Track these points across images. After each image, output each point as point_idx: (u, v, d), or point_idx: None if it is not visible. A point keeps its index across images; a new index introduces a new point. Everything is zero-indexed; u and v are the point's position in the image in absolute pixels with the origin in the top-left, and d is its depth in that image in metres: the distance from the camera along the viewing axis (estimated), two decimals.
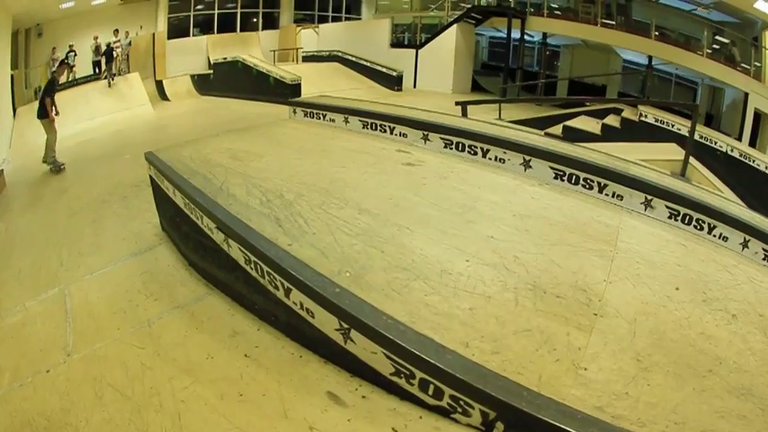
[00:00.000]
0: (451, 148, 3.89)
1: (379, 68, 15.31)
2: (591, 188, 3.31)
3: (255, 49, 17.39)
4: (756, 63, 14.31)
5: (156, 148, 3.80)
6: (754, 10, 13.03)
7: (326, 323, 1.91)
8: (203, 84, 15.15)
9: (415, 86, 15.06)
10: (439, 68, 14.77)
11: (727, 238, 3.01)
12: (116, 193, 5.10)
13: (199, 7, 17.17)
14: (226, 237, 2.48)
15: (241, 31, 19.05)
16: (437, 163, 3.65)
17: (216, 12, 18.22)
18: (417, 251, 2.31)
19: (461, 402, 1.55)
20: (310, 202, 2.81)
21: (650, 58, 15.47)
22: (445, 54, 14.82)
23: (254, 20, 19.92)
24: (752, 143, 12.87)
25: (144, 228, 4.01)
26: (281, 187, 3.02)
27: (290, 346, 2.19)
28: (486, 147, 3.71)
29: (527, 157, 3.52)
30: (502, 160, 3.63)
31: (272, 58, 16.58)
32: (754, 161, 8.90)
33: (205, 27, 17.91)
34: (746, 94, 13.39)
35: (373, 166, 3.60)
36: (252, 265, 2.30)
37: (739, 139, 12.61)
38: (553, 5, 16.43)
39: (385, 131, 4.27)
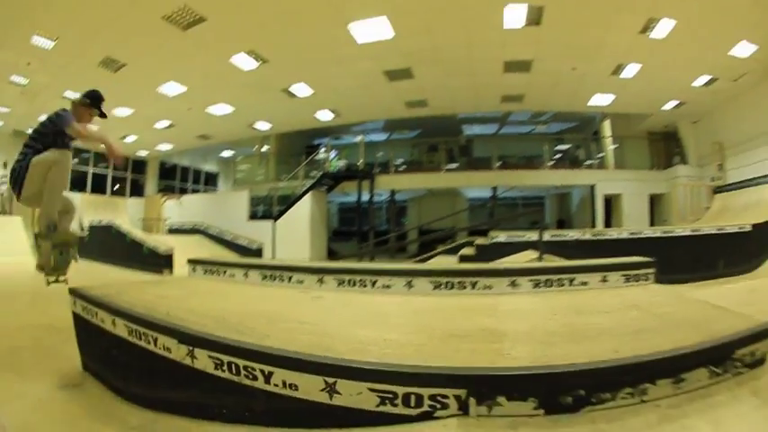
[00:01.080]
0: (344, 285, 4.42)
1: (239, 242, 16.08)
2: (464, 287, 4.02)
3: (124, 215, 17.33)
4: (600, 154, 16.79)
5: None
6: (589, 108, 15.01)
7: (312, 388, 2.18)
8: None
9: (273, 257, 15.55)
10: (296, 238, 15.45)
11: (586, 282, 3.92)
12: None
13: (75, 160, 17.07)
14: (190, 350, 2.66)
15: (111, 194, 19.00)
16: (338, 296, 4.18)
17: (90, 169, 18.17)
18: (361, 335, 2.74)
19: None
20: (257, 321, 3.10)
21: (494, 188, 17.06)
22: (301, 223, 15.70)
23: (122, 186, 20.12)
24: (607, 224, 14.97)
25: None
26: (224, 314, 3.28)
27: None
28: (373, 278, 4.31)
29: (409, 278, 4.17)
30: (388, 286, 4.23)
31: (138, 227, 16.69)
32: (602, 236, 10.96)
33: (79, 184, 17.59)
34: (593, 186, 15.43)
35: (290, 299, 4.11)
36: (224, 367, 2.49)
37: (593, 226, 14.57)
38: (397, 162, 18.13)
39: (283, 280, 4.74)
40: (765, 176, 12.40)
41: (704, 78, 12.90)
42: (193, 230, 17.52)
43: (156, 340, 2.88)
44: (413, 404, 1.97)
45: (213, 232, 17.01)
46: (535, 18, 9.38)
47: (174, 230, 18.19)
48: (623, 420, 1.87)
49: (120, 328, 3.19)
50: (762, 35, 10.49)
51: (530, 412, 1.90)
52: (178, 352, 2.73)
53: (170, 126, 16.67)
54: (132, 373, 3.18)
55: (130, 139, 17.67)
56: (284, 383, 2.26)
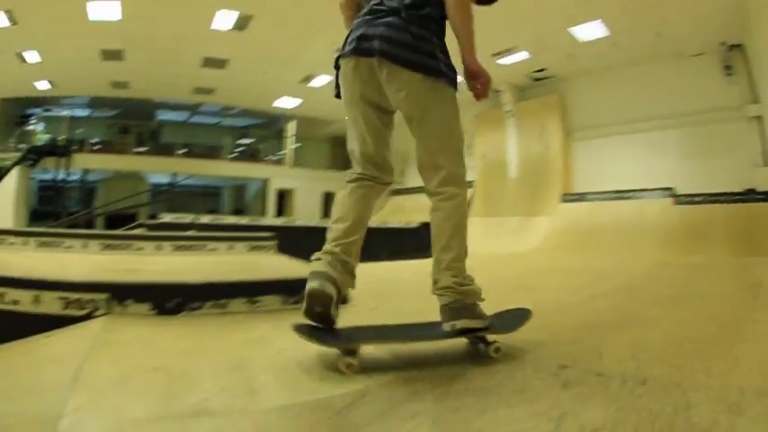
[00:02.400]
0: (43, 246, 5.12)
1: None
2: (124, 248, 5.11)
3: None
4: (281, 152, 18.01)
5: None
6: (275, 108, 15.98)
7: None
8: None
9: None
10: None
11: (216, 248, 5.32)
12: None
13: None
14: None
15: None
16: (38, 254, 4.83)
17: None
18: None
19: None
20: None
21: (175, 174, 17.34)
22: (4, 201, 13.95)
23: None
24: (279, 215, 16.39)
25: None
26: None
27: None
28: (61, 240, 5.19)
29: (85, 241, 5.15)
30: (71, 246, 5.10)
31: None
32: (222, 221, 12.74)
33: None
34: (266, 180, 16.73)
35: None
36: None
37: (263, 215, 15.98)
38: (93, 141, 17.19)
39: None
40: None
41: None
42: None
43: None
44: (82, 308, 2.67)
45: None
46: (242, 24, 10.30)
47: None
48: (206, 321, 2.77)
49: None
50: None
51: (147, 312, 2.77)
52: None
53: None
54: None
55: None
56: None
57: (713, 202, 9.02)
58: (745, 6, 8.46)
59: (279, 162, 18.07)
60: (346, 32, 2.05)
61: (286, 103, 15.64)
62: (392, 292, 3.93)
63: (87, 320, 2.59)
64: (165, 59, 12.18)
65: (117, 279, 3.11)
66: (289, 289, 2.97)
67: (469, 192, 13.08)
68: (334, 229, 1.93)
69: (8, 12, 9.52)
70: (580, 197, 11.80)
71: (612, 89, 12.27)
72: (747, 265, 5.82)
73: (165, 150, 17.49)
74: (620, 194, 11.00)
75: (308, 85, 13.94)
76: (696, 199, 9.38)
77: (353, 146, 2.08)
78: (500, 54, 11.80)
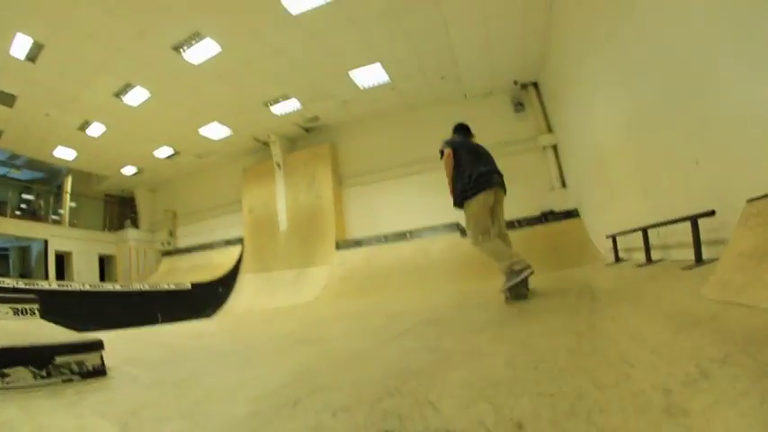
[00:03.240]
0: None
1: None
2: None
3: None
4: (60, 211, 16.77)
5: None
6: (55, 159, 14.85)
7: None
8: None
9: None
10: None
11: None
12: None
13: None
14: None
15: None
16: None
17: None
18: None
19: None
20: None
21: None
22: None
23: None
24: (60, 277, 15.06)
25: None
26: None
27: None
28: None
29: None
30: None
31: None
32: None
33: None
34: (46, 241, 15.49)
35: None
36: None
37: (46, 278, 14.47)
38: None
39: None
40: (211, 243, 15.33)
41: (168, 150, 14.58)
42: None
43: None
44: None
45: None
46: (34, 54, 9.36)
47: None
48: None
49: None
50: (235, 123, 12.81)
51: None
52: None
53: None
54: None
55: None
56: None
57: (510, 228, 9.85)
58: (542, 46, 9.42)
59: (58, 222, 16.80)
60: (450, 181, 4.54)
61: (64, 153, 14.56)
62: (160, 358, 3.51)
63: None
64: None
65: None
66: (38, 360, 2.39)
67: (239, 249, 13.18)
68: (513, 252, 4.26)
69: None
70: (357, 243, 12.30)
71: (389, 134, 12.87)
72: (561, 278, 6.03)
73: None
74: (401, 236, 11.63)
75: (86, 132, 13.12)
76: None
77: (487, 225, 4.35)
78: (271, 102, 12.10)
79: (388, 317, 4.65)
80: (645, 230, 5.25)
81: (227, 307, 12.46)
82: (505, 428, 1.14)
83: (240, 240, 14.68)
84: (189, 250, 16.20)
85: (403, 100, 11.91)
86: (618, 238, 6.70)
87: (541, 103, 11.12)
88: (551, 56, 9.47)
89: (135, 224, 17.75)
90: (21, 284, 9.68)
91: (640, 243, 5.43)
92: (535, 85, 11.21)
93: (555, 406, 1.23)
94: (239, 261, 14.13)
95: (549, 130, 10.98)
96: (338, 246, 12.51)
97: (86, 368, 2.56)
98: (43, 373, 2.36)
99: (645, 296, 3.13)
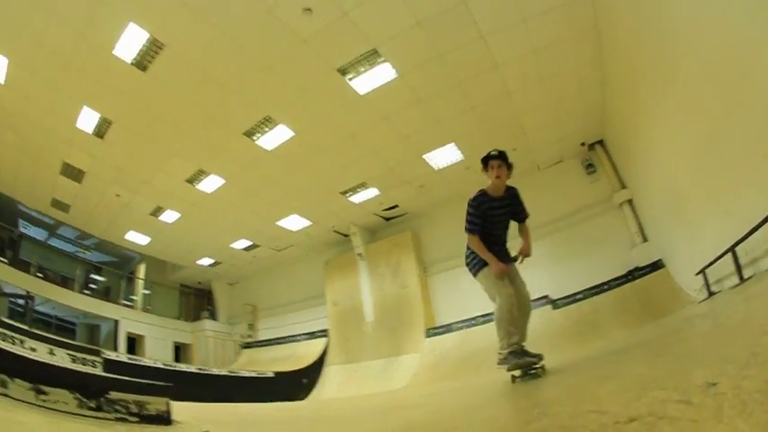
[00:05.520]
0: None
1: None
2: None
3: None
4: (132, 295, 16.96)
5: None
6: (126, 242, 14.95)
7: None
8: None
9: None
10: None
11: None
12: None
13: None
14: None
15: None
16: None
17: None
18: None
19: None
20: None
21: (28, 294, 15.60)
22: None
23: None
24: None
25: None
26: None
27: None
28: None
29: None
30: None
31: None
32: None
33: None
34: (117, 322, 15.55)
35: None
36: None
37: None
38: None
39: None
40: (294, 336, 15.21)
41: (245, 242, 14.70)
42: None
43: None
44: None
45: None
46: (102, 131, 9.49)
47: None
48: None
49: None
50: (314, 215, 12.89)
51: None
52: None
53: None
54: None
55: None
56: None
57: (597, 293, 9.44)
58: (602, 102, 9.22)
59: (130, 305, 16.87)
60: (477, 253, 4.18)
61: (136, 237, 14.78)
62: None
63: None
64: (31, 152, 10.68)
65: None
66: (89, 389, 2.29)
67: (323, 341, 13.06)
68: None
69: None
70: (447, 328, 12.02)
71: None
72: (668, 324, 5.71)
73: (23, 266, 15.61)
74: (490, 317, 11.35)
75: (159, 218, 13.25)
76: (578, 296, 9.72)
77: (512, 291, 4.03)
78: (349, 192, 12.11)
79: (480, 387, 4.68)
80: (733, 250, 4.83)
81: (311, 396, 12.23)
82: None
83: (324, 332, 14.46)
84: (270, 342, 16.11)
85: (477, 178, 12.02)
86: (707, 273, 6.23)
87: (610, 160, 10.92)
88: (611, 108, 9.40)
89: (213, 316, 17.78)
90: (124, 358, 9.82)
91: (731, 268, 5.03)
92: (601, 143, 11.06)
93: None
94: (324, 353, 13.87)
95: (623, 186, 10.72)
96: (428, 333, 12.27)
97: (148, 411, 2.37)
98: (92, 403, 2.20)
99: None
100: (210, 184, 11.42)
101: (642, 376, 1.89)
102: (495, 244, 4.26)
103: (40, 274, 15.34)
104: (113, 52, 7.47)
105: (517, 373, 3.86)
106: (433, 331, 12.30)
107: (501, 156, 4.34)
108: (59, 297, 15.66)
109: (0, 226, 16.07)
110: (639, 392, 1.44)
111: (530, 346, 4.06)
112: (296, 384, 12.31)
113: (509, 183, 4.44)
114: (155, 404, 2.41)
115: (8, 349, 2.51)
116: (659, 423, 1.10)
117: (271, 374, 12.01)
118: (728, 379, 1.18)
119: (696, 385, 1.22)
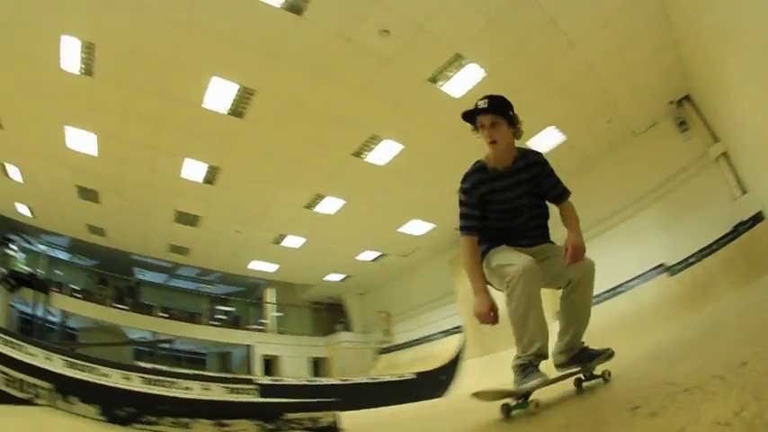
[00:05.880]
0: None
1: None
2: None
3: None
4: (263, 320, 17.68)
5: None
6: (250, 271, 15.79)
7: None
8: None
9: None
10: None
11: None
12: None
13: None
14: None
15: None
16: None
17: None
18: None
19: None
20: None
21: (154, 334, 16.25)
22: None
23: None
24: None
25: None
26: None
27: None
28: None
29: None
30: None
31: None
32: None
33: None
34: (249, 347, 16.28)
35: None
36: None
37: None
38: (74, 286, 16.54)
39: None
40: (429, 336, 15.47)
41: (373, 254, 15.12)
42: None
43: None
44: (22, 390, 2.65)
45: None
46: (211, 178, 10.38)
47: None
48: None
49: None
50: (434, 218, 13.04)
51: (96, 416, 2.57)
52: None
53: None
54: None
55: None
56: None
57: (708, 254, 8.96)
58: (682, 57, 8.78)
59: (261, 329, 17.73)
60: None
61: (262, 266, 15.63)
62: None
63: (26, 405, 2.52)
64: (138, 208, 11.99)
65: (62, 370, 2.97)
66: (267, 415, 2.65)
67: (459, 336, 12.64)
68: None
69: None
70: None
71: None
72: None
73: (144, 309, 16.79)
74: (614, 291, 10.97)
75: (281, 244, 14.02)
76: (691, 260, 9.29)
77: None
78: None
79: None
80: None
81: (450, 392, 12.15)
82: None
83: (458, 329, 14.48)
84: (406, 345, 16.40)
85: (580, 158, 11.46)
86: None
87: (699, 114, 10.05)
88: (688, 64, 8.72)
89: (347, 328, 18.32)
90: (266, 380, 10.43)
91: None
92: (688, 98, 10.20)
93: None
94: (460, 349, 13.82)
95: (716, 139, 9.82)
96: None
97: (320, 425, 2.79)
98: (271, 426, 2.61)
99: None
100: (330, 205, 11.97)
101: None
102: (513, 238, 2.77)
103: (164, 314, 16.34)
104: (203, 106, 8.09)
105: (512, 401, 2.58)
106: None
107: (493, 107, 2.69)
108: (187, 332, 16.60)
109: (114, 277, 17.78)
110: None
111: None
112: (435, 383, 12.41)
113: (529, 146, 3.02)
114: (325, 417, 2.91)
115: (172, 395, 2.98)
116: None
117: (411, 376, 12.41)
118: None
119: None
